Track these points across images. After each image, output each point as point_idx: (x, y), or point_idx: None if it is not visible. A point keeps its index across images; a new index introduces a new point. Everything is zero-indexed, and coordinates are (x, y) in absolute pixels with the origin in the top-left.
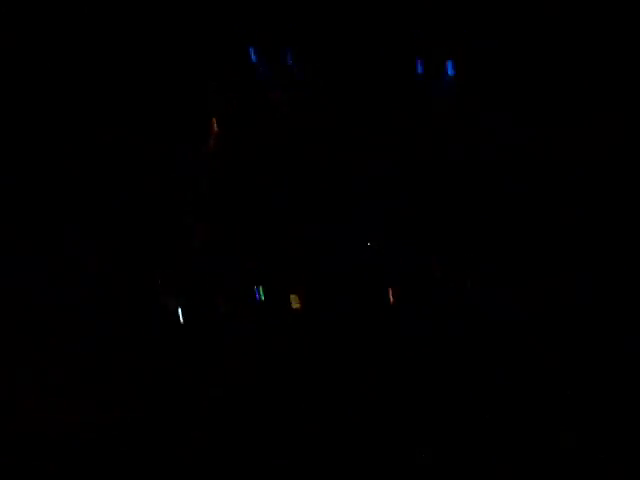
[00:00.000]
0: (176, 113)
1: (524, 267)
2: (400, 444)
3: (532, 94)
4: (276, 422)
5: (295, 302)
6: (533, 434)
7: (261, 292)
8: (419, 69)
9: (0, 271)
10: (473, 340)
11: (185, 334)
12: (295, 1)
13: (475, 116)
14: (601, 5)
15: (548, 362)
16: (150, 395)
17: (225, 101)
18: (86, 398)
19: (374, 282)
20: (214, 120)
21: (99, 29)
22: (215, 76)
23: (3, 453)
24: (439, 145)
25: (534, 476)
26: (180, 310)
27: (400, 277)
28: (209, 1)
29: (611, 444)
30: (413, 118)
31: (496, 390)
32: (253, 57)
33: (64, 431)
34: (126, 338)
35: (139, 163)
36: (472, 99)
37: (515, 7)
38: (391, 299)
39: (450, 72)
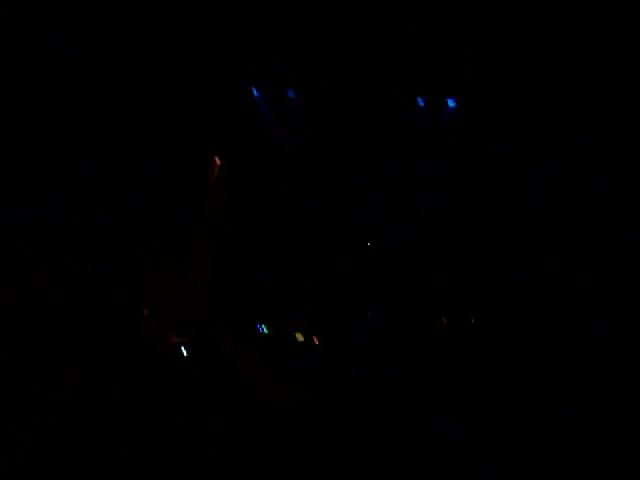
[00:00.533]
0: (180, 147)
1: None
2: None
3: (529, 123)
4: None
5: (300, 337)
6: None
7: (264, 327)
8: (420, 103)
9: None
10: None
11: (189, 368)
12: (298, 41)
13: (475, 147)
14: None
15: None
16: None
17: (228, 138)
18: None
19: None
20: (217, 157)
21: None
22: (219, 113)
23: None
24: (441, 177)
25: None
26: (184, 346)
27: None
28: (213, 40)
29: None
30: (415, 149)
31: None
32: (255, 94)
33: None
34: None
35: (143, 206)
36: (472, 131)
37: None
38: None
39: (451, 106)
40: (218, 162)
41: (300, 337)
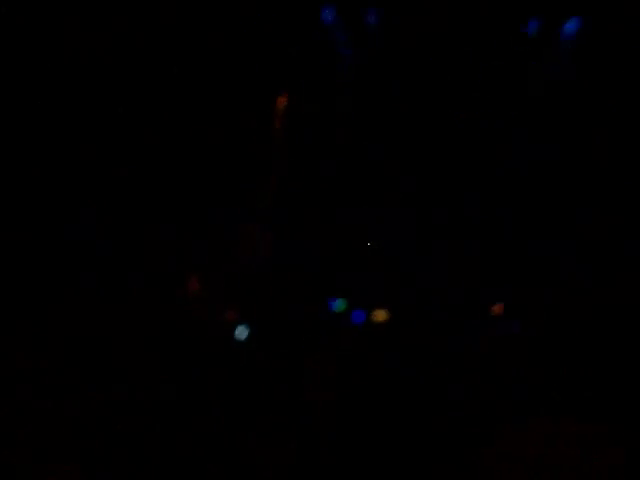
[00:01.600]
0: (247, 86)
1: None
2: None
3: None
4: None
5: (379, 316)
6: None
7: (340, 304)
8: (529, 29)
9: None
10: None
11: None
12: None
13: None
14: None
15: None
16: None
17: (299, 68)
18: None
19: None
20: (285, 94)
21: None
22: (290, 41)
23: None
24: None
25: None
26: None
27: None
28: None
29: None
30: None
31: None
32: (329, 18)
33: None
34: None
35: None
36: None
37: None
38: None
39: (569, 30)
40: (284, 100)
41: (380, 315)
